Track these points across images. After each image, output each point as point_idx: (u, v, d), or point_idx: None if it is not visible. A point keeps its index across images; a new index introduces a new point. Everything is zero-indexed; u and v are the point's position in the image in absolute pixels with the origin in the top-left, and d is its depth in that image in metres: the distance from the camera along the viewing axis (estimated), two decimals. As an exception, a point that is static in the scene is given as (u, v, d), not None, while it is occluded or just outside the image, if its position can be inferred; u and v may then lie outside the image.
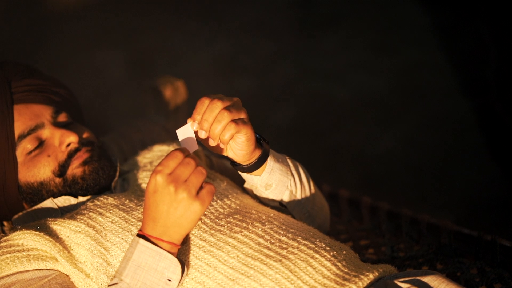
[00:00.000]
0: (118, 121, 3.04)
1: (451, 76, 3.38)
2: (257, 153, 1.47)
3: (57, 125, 1.61)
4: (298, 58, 3.59)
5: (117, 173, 1.64)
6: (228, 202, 1.50)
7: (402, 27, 3.71)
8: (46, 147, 1.60)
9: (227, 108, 1.36)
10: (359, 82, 3.41)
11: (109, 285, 1.35)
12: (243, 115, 1.39)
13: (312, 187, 1.64)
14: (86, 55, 3.66)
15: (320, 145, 3.12)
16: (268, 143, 1.51)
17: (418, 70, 3.44)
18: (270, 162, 1.51)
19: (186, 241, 1.41)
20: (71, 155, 1.59)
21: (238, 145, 1.42)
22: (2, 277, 1.41)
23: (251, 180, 1.53)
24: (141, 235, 1.34)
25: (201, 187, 1.33)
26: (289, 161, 1.58)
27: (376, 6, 3.85)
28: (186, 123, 1.38)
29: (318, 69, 3.51)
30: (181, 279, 1.34)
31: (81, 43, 3.73)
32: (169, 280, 1.33)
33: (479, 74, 3.33)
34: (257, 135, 1.48)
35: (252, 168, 1.49)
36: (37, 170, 1.58)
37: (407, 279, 1.37)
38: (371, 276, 1.38)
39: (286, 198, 1.56)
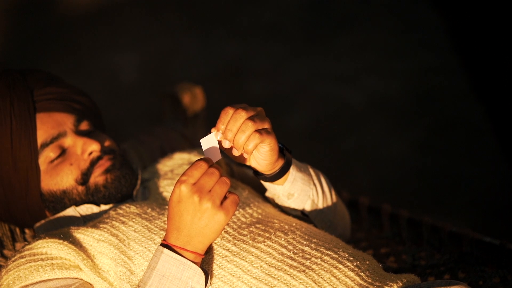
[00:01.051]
0: (131, 125, 3.06)
1: (465, 80, 3.38)
2: (280, 163, 1.48)
3: (79, 133, 1.62)
4: (310, 62, 3.60)
5: (139, 182, 1.64)
6: (250, 211, 1.51)
7: (415, 30, 3.73)
8: (69, 155, 1.60)
9: (251, 118, 1.36)
10: (372, 86, 3.42)
11: None
12: (267, 125, 1.40)
13: (333, 196, 1.64)
14: (98, 59, 3.67)
15: (333, 149, 3.13)
16: (291, 152, 1.51)
17: (432, 73, 3.45)
18: (292, 172, 1.51)
19: (209, 250, 1.41)
20: (93, 163, 1.60)
21: (261, 155, 1.42)
22: (26, 286, 1.42)
23: (273, 189, 1.54)
24: (165, 245, 1.34)
25: (225, 197, 1.33)
26: (311, 171, 1.58)
27: (389, 9, 3.86)
28: (210, 132, 1.39)
29: (331, 73, 3.52)
30: None
31: (93, 47, 3.74)
32: None
33: (493, 77, 3.34)
34: (280, 145, 1.48)
35: (275, 177, 1.49)
36: (59, 179, 1.59)
37: None
38: (395, 287, 1.39)
39: (308, 207, 1.56)
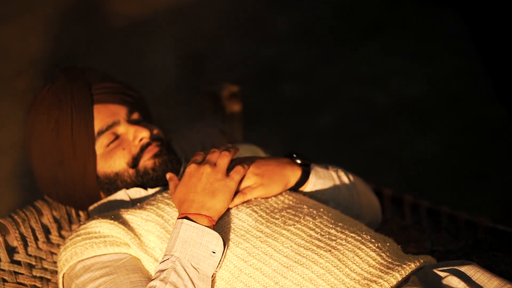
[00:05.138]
0: (170, 123, 3.09)
1: (488, 83, 3.37)
2: (297, 172, 1.62)
3: (131, 122, 1.73)
4: (340, 65, 3.61)
5: (182, 168, 1.73)
6: (282, 198, 1.58)
7: (440, 35, 3.71)
8: (122, 141, 1.71)
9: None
10: (398, 88, 3.42)
11: (160, 262, 1.44)
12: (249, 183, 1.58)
13: (358, 192, 1.73)
14: (139, 61, 3.72)
15: (361, 148, 3.15)
16: (308, 159, 1.65)
17: (456, 76, 3.43)
18: (312, 180, 1.64)
19: (245, 233, 1.49)
20: (143, 148, 1.70)
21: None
22: (82, 260, 1.53)
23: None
24: (182, 217, 1.46)
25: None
26: (333, 173, 1.69)
27: (415, 15, 3.85)
28: None
29: (360, 75, 3.52)
30: (223, 252, 1.44)
31: (134, 49, 3.79)
32: (214, 252, 1.43)
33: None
34: (297, 160, 1.63)
35: (295, 187, 1.64)
36: (113, 162, 1.70)
37: (445, 268, 1.43)
38: (413, 266, 1.44)
39: (332, 205, 1.67)
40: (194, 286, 1.41)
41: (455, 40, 3.67)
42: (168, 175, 1.60)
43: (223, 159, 1.53)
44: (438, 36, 3.72)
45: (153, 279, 1.43)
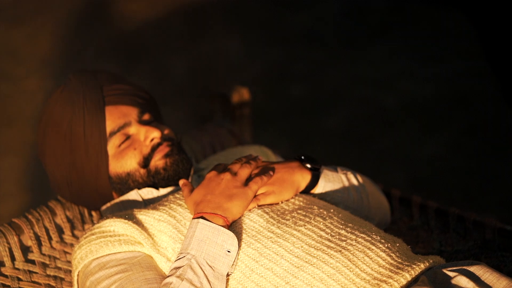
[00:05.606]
0: (178, 124, 3.11)
1: (495, 84, 3.37)
2: (307, 177, 1.63)
3: (142, 123, 1.74)
4: (347, 66, 3.62)
5: (192, 169, 1.75)
6: (293, 200, 1.60)
7: (448, 36, 3.72)
8: (133, 141, 1.72)
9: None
10: (406, 89, 3.43)
11: (175, 260, 1.45)
12: (264, 190, 1.59)
13: (367, 194, 1.74)
14: (149, 62, 3.73)
15: (368, 149, 3.16)
16: (318, 162, 1.65)
17: (463, 77, 3.44)
18: (321, 183, 1.65)
19: (256, 234, 1.50)
20: (154, 148, 1.71)
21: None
22: (98, 258, 1.55)
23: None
24: (198, 217, 1.47)
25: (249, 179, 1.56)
26: (342, 176, 1.70)
27: (422, 16, 3.86)
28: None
29: (367, 76, 3.54)
30: (237, 252, 1.46)
31: (144, 50, 3.80)
32: (229, 252, 1.44)
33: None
34: (307, 164, 1.64)
35: (305, 191, 1.65)
36: (124, 162, 1.71)
37: (454, 268, 1.44)
38: (422, 266, 1.46)
39: (341, 208, 1.67)
40: (210, 284, 1.43)
41: (462, 41, 3.68)
42: (182, 181, 1.61)
43: (244, 170, 1.57)
44: (445, 37, 3.73)
45: (169, 276, 1.44)
